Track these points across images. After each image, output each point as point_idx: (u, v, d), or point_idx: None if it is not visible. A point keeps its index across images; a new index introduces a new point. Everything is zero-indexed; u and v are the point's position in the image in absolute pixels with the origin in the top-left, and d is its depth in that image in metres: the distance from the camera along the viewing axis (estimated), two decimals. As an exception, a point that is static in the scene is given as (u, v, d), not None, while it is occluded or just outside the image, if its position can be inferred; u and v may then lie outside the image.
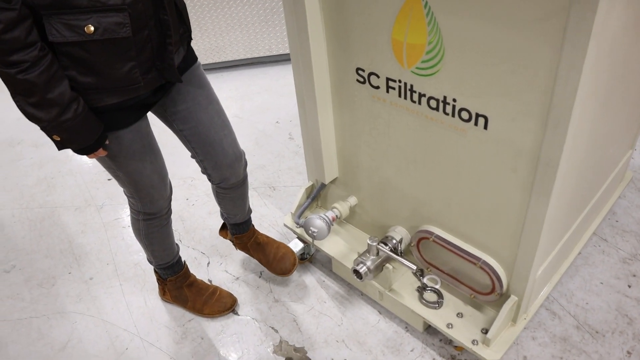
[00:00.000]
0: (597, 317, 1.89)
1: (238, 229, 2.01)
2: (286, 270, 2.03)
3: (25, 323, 2.11)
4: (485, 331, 1.62)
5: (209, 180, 1.77)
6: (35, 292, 2.24)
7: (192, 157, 1.71)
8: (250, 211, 2.01)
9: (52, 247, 2.45)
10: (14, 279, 2.30)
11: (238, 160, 1.72)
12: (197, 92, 1.57)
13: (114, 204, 2.66)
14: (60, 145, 1.36)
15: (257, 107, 3.32)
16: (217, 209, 2.52)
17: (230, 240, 2.11)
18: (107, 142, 1.42)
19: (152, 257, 1.91)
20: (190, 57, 1.56)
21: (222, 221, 2.10)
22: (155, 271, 2.02)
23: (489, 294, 1.59)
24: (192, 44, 3.47)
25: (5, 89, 1.23)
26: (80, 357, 1.95)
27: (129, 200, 1.70)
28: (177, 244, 1.95)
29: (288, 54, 3.67)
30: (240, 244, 2.07)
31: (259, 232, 2.09)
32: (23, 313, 2.15)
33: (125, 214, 2.59)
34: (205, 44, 3.55)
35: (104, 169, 1.58)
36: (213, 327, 2.01)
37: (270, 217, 2.48)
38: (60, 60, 1.24)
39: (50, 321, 2.10)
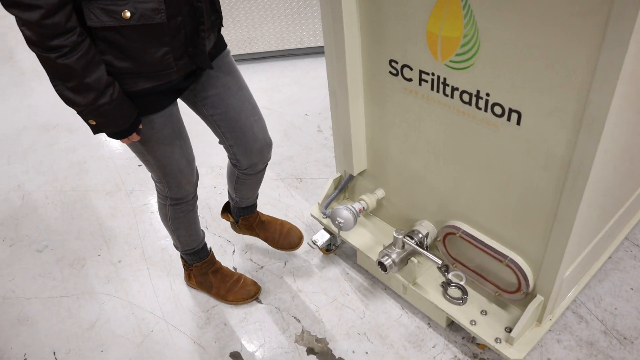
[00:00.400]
0: (625, 323, 1.85)
1: (245, 211, 2.06)
2: (293, 244, 2.08)
3: (56, 302, 2.17)
4: (509, 330, 1.61)
5: (236, 166, 1.79)
6: (65, 272, 2.30)
7: (220, 142, 1.72)
8: (257, 194, 2.05)
9: (83, 229, 2.51)
10: (46, 259, 2.37)
11: (268, 146, 1.75)
12: (227, 78, 1.60)
13: (143, 189, 2.71)
14: (96, 130, 1.39)
15: (286, 99, 3.33)
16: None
17: (232, 222, 2.16)
18: (140, 126, 1.45)
19: (178, 243, 1.94)
20: (220, 44, 1.58)
21: (224, 204, 2.15)
22: (181, 257, 2.06)
23: (514, 292, 1.58)
24: (225, 34, 3.52)
25: (43, 76, 1.26)
26: (107, 336, 2.00)
27: (156, 185, 1.74)
28: (203, 231, 1.98)
29: (319, 47, 3.67)
30: (246, 225, 2.10)
31: (261, 212, 2.14)
32: (54, 292, 2.21)
33: (154, 199, 2.63)
34: (238, 35, 3.57)
35: (135, 155, 1.62)
36: (236, 314, 2.03)
37: (296, 208, 2.49)
38: (97, 45, 1.27)
39: (79, 301, 2.16)
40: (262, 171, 1.85)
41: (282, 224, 2.14)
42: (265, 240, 2.13)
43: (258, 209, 2.13)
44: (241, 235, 2.36)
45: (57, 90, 1.28)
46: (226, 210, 2.15)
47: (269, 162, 1.84)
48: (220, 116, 1.63)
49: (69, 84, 1.25)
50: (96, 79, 1.26)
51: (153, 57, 1.32)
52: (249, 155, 1.72)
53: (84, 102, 1.29)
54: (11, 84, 3.85)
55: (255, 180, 1.88)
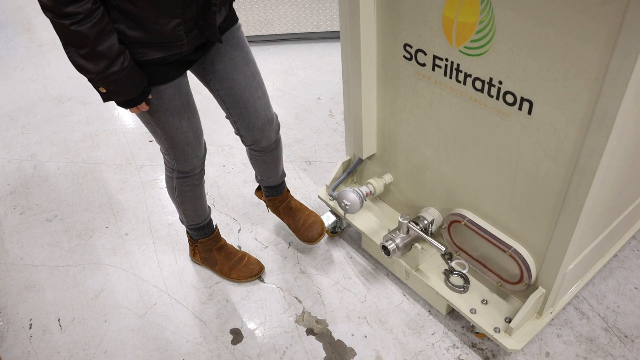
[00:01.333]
0: (627, 321, 1.84)
1: (271, 191, 2.05)
2: (312, 239, 2.05)
3: (63, 270, 2.20)
4: (508, 320, 1.61)
5: (242, 141, 1.81)
6: (73, 242, 2.33)
7: (227, 117, 1.74)
8: (283, 175, 2.04)
9: (92, 201, 2.54)
10: (55, 228, 2.40)
11: (269, 123, 1.75)
12: (235, 52, 1.60)
13: (153, 164, 2.73)
14: (106, 97, 1.41)
15: (300, 82, 3.33)
16: (252, 178, 2.56)
17: (264, 201, 2.15)
18: (150, 96, 1.46)
19: (184, 217, 1.96)
20: (231, 18, 1.58)
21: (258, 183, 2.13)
22: (187, 232, 2.07)
23: (516, 283, 1.58)
24: (241, 14, 3.51)
25: (59, 48, 1.28)
26: (110, 307, 2.03)
27: (164, 157, 1.75)
28: (209, 207, 2.00)
29: (335, 32, 3.66)
30: (272, 207, 2.11)
31: (293, 197, 2.12)
32: (61, 261, 2.24)
33: (163, 175, 2.64)
34: (255, 16, 3.56)
35: (146, 131, 1.63)
36: (239, 291, 2.05)
37: (304, 190, 2.50)
38: (110, 13, 1.28)
39: (85, 270, 2.19)
40: (272, 149, 1.85)
41: (309, 214, 2.09)
42: (289, 227, 2.11)
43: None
44: (248, 214, 2.38)
45: (69, 57, 1.29)
46: (259, 189, 2.15)
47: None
48: (225, 91, 1.64)
49: (82, 51, 1.26)
50: (108, 47, 1.27)
51: (164, 28, 1.33)
52: (251, 131, 1.74)
53: (95, 70, 1.30)
54: (28, 55, 3.88)
55: (269, 158, 1.88)
